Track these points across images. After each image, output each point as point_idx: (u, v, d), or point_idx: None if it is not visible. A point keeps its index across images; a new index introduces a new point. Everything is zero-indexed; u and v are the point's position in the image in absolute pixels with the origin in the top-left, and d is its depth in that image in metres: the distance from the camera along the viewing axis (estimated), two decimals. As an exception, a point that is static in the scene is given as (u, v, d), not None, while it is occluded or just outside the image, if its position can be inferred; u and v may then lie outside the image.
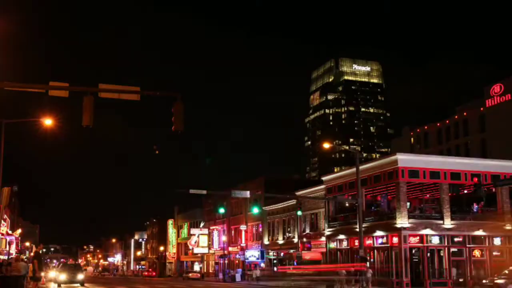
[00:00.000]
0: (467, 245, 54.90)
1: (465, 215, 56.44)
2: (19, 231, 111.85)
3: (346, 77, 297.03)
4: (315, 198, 68.65)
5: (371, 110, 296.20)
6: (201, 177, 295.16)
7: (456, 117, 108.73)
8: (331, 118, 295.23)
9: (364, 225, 54.72)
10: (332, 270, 58.18)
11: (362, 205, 55.27)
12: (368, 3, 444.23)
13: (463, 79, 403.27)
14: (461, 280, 53.04)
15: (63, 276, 55.27)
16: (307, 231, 73.04)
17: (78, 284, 54.38)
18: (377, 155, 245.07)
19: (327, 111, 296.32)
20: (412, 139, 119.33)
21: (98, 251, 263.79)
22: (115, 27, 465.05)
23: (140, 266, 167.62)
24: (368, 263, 55.05)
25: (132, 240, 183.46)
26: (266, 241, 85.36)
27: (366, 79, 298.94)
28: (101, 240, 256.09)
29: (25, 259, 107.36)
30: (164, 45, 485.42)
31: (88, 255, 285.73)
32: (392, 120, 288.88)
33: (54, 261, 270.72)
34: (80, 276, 56.52)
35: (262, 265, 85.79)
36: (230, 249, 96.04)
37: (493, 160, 61.17)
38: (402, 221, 52.83)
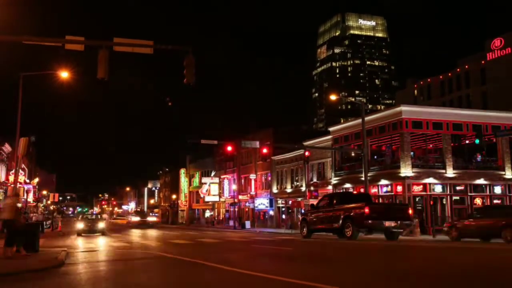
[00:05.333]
0: (469, 194, 55.30)
1: (467, 164, 56.71)
2: (36, 180, 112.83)
3: (352, 32, 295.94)
4: (322, 148, 68.70)
5: (376, 63, 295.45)
6: (212, 127, 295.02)
7: (458, 70, 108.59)
8: (337, 71, 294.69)
9: (369, 174, 54.93)
10: None
11: (367, 155, 55.36)
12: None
13: (465, 32, 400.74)
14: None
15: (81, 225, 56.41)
16: (315, 180, 73.32)
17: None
18: (382, 107, 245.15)
19: (333, 64, 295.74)
20: (415, 91, 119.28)
21: (112, 199, 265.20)
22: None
23: (153, 214, 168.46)
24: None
25: (146, 189, 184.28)
26: (274, 189, 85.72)
27: (371, 33, 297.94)
28: (115, 188, 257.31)
29: (42, 207, 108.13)
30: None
31: (103, 203, 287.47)
32: (396, 73, 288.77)
33: (70, 209, 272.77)
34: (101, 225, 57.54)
35: (271, 212, 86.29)
36: (240, 197, 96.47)
37: (494, 112, 61.03)
38: (406, 170, 53.06)
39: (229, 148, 61.87)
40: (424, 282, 12.84)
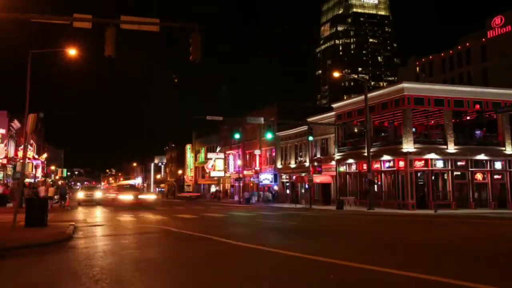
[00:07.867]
0: (470, 169, 55.27)
1: (468, 140, 56.62)
2: (44, 155, 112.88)
3: (355, 9, 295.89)
4: (325, 124, 68.59)
5: (379, 41, 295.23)
6: (217, 104, 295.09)
7: (459, 47, 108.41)
8: (340, 48, 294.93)
9: (372, 150, 55.06)
10: None
11: (370, 131, 55.52)
12: None
13: (467, 10, 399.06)
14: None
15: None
16: (318, 155, 73.23)
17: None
18: (384, 84, 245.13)
19: (337, 41, 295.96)
20: (417, 68, 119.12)
21: (119, 174, 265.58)
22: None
23: (160, 189, 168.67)
24: (375, 186, 55.76)
25: (152, 164, 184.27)
26: (279, 165, 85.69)
27: (374, 11, 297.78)
28: (122, 164, 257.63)
29: (51, 182, 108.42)
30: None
31: (110, 178, 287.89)
32: (398, 50, 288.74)
33: (78, 184, 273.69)
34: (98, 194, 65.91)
35: (276, 187, 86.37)
36: (245, 172, 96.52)
37: (494, 88, 60.94)
38: (408, 146, 53.02)
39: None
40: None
